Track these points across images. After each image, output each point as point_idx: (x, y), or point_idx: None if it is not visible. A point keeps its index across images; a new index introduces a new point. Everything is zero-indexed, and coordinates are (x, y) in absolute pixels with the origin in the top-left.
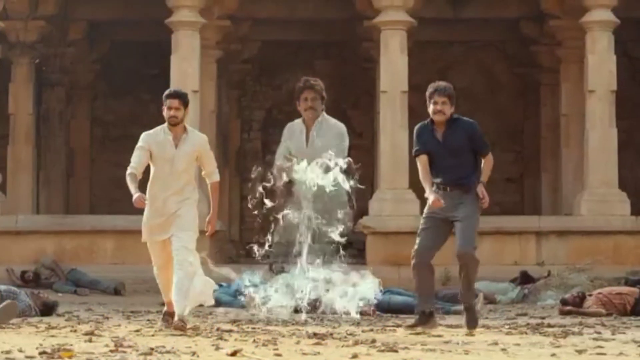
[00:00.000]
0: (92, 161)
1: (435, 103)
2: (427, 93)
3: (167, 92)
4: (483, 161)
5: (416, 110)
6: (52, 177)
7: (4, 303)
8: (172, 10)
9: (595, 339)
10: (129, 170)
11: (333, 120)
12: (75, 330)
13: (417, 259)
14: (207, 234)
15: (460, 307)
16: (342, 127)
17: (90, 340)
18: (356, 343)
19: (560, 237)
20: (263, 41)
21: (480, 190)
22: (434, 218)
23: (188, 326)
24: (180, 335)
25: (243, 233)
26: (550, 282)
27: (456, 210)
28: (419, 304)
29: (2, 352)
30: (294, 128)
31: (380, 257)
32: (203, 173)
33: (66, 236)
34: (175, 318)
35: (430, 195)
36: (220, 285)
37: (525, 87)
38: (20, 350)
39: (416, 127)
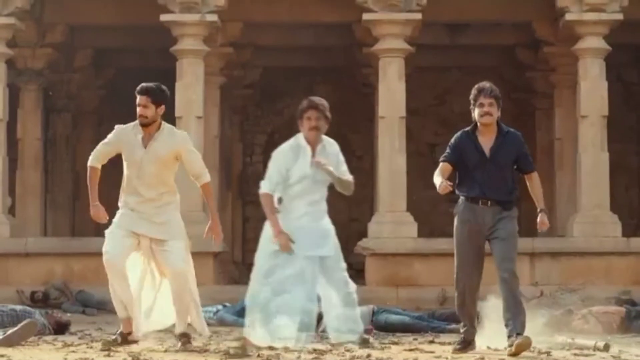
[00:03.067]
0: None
1: (481, 105)
2: (472, 96)
3: (138, 87)
4: (529, 182)
5: (414, 134)
6: (59, 200)
7: (25, 322)
8: (176, 38)
9: (576, 354)
10: (88, 163)
11: (329, 139)
12: (91, 347)
13: (462, 288)
14: (215, 242)
15: (456, 326)
16: (336, 144)
17: (109, 355)
18: (353, 358)
19: (553, 258)
20: (264, 67)
21: (544, 220)
22: (469, 238)
23: (195, 343)
24: (190, 351)
25: (245, 255)
26: (542, 301)
27: (495, 227)
28: (466, 334)
29: None
30: (298, 150)
31: (379, 278)
32: (191, 176)
33: (74, 258)
34: (179, 332)
35: (439, 181)
36: (224, 306)
37: (520, 112)
38: None
39: (456, 135)
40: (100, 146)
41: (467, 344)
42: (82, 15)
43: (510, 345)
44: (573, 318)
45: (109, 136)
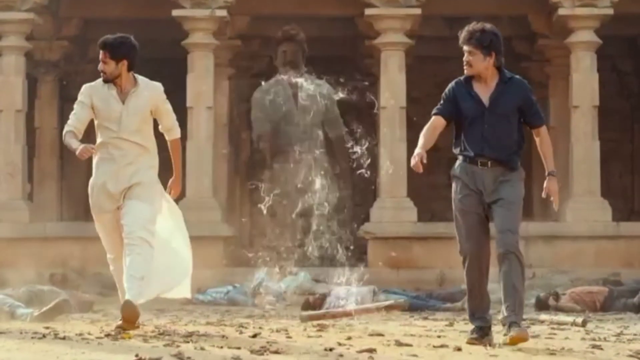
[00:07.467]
0: None
1: (464, 54)
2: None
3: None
4: (538, 139)
5: (416, 122)
6: (74, 187)
7: (57, 300)
8: (187, 32)
9: (552, 328)
10: (66, 129)
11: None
12: None
13: (469, 261)
14: (171, 195)
15: (451, 305)
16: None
17: (138, 327)
18: (352, 330)
19: (546, 241)
20: (271, 57)
21: (552, 187)
22: (468, 206)
23: (139, 319)
24: (206, 324)
25: (253, 238)
26: (534, 282)
27: (497, 191)
28: (472, 320)
29: (75, 334)
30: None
31: (381, 260)
32: (160, 128)
33: (91, 242)
34: (124, 302)
35: (418, 150)
36: (234, 286)
37: None
38: (89, 333)
39: (450, 84)
40: (76, 112)
41: (482, 335)
42: (96, 10)
43: (505, 334)
44: (560, 298)
45: (80, 95)
